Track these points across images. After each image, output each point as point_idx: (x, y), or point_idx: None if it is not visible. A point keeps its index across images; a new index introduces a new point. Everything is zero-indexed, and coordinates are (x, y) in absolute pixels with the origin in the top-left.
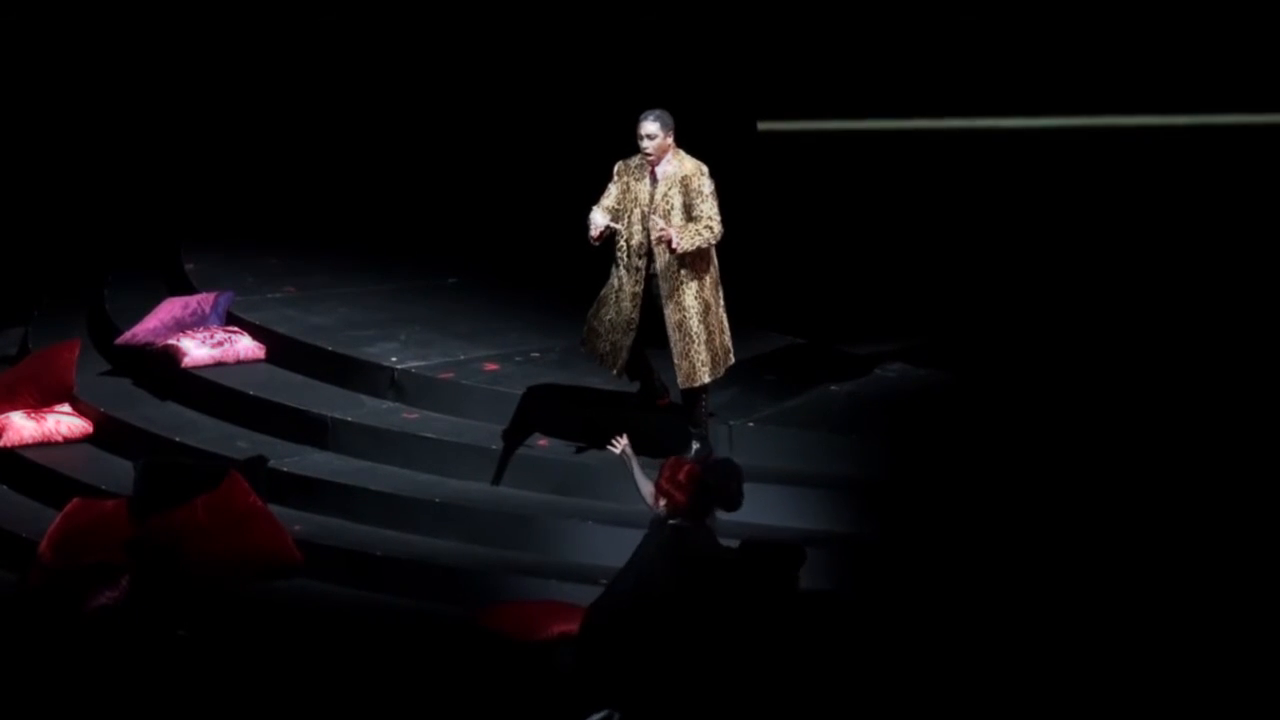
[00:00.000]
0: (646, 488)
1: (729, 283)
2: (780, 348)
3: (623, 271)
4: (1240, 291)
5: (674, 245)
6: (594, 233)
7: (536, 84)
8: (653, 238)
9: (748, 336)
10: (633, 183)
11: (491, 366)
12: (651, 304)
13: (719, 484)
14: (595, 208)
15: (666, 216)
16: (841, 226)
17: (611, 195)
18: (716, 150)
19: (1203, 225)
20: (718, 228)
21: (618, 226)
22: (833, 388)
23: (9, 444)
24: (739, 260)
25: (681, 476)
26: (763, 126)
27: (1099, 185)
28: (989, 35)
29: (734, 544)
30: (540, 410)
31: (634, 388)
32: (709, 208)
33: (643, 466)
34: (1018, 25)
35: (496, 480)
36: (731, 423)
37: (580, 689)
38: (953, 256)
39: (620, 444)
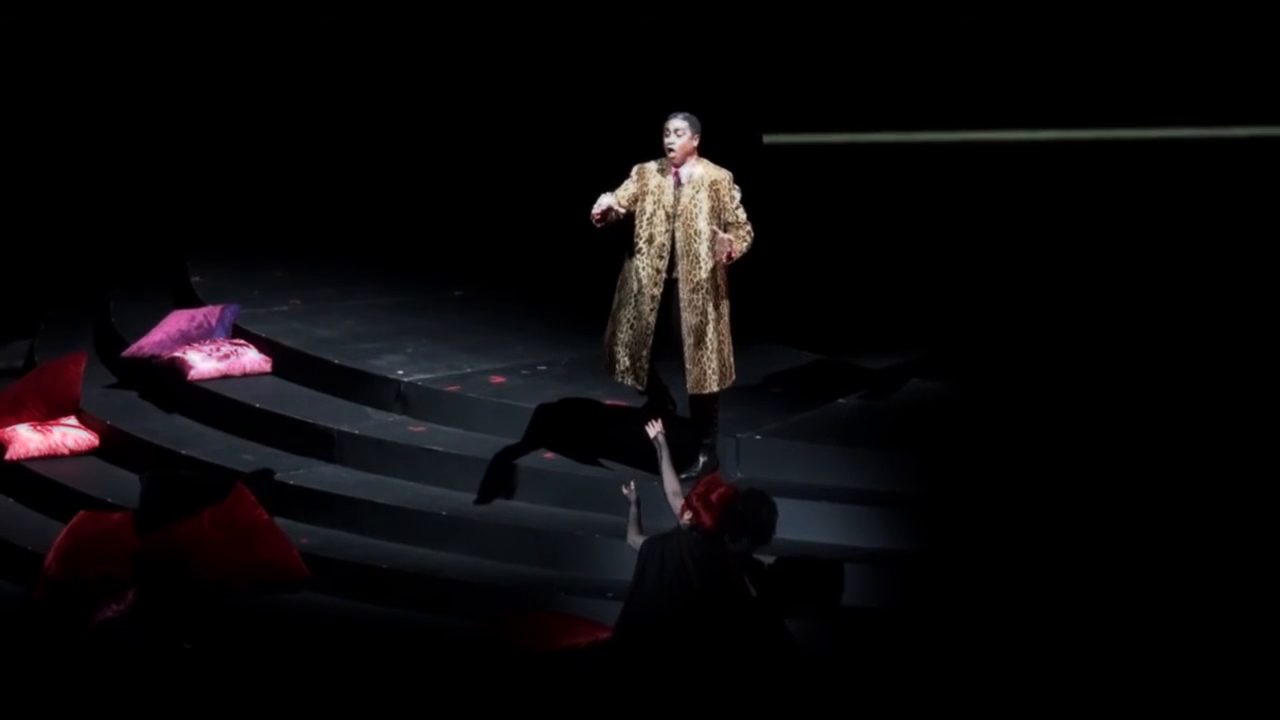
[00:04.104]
0: (672, 484)
1: (735, 294)
2: (787, 361)
3: (642, 275)
4: (1244, 301)
5: (732, 254)
6: (596, 211)
7: (543, 96)
8: (715, 251)
9: (755, 350)
10: (654, 185)
11: (498, 379)
12: (664, 310)
13: (748, 513)
14: (607, 193)
15: (693, 220)
16: (847, 239)
17: (627, 191)
18: (722, 163)
19: (1207, 237)
20: (752, 232)
21: (621, 210)
22: (840, 401)
23: (15, 457)
24: (745, 273)
25: (714, 497)
26: (768, 139)
27: (1103, 197)
28: (994, 48)
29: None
30: (547, 423)
31: (640, 401)
32: (743, 214)
33: (672, 461)
34: (1022, 38)
35: (499, 494)
36: (739, 436)
37: (609, 695)
38: (959, 269)
39: (655, 428)
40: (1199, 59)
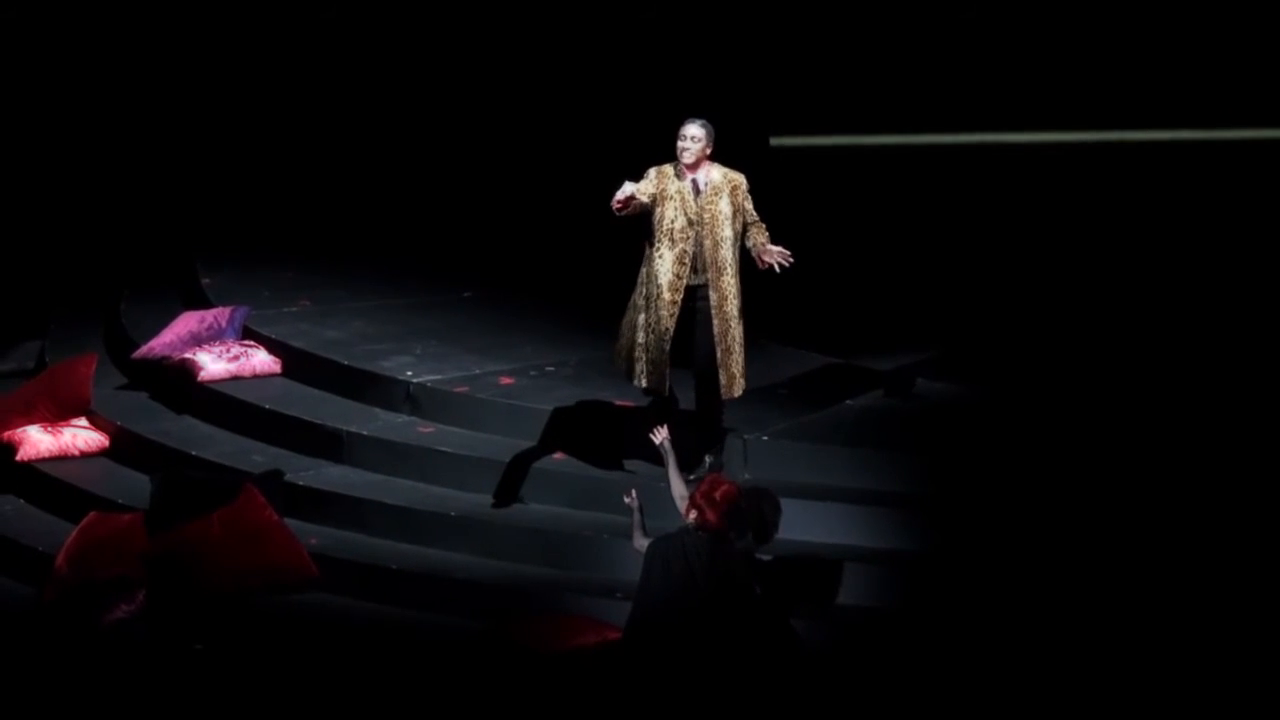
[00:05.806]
0: (679, 488)
1: (743, 295)
2: (795, 362)
3: (662, 281)
4: (1248, 302)
5: (785, 263)
6: (620, 197)
7: (551, 98)
8: (771, 261)
9: (763, 351)
10: (673, 190)
11: (506, 380)
12: (681, 315)
13: (752, 509)
14: (630, 181)
15: (718, 227)
16: (855, 241)
17: (646, 191)
18: (729, 165)
19: (1211, 239)
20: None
21: (645, 199)
22: (847, 401)
23: (26, 458)
24: (753, 275)
25: (718, 495)
26: (775, 141)
27: (1109, 199)
28: (1000, 51)
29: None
30: (555, 424)
31: (646, 401)
32: (756, 214)
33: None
34: (1028, 41)
35: (511, 494)
36: (746, 437)
37: (617, 695)
38: (966, 271)
39: (660, 435)
40: (1200, 61)
